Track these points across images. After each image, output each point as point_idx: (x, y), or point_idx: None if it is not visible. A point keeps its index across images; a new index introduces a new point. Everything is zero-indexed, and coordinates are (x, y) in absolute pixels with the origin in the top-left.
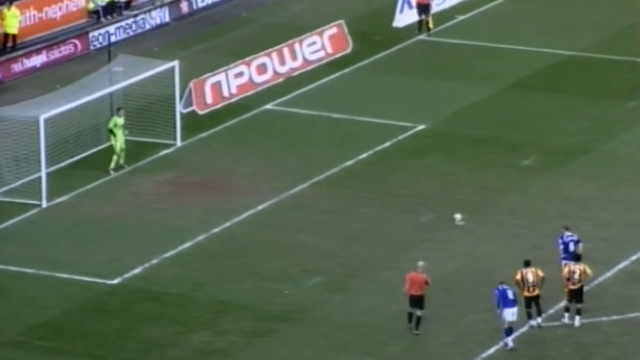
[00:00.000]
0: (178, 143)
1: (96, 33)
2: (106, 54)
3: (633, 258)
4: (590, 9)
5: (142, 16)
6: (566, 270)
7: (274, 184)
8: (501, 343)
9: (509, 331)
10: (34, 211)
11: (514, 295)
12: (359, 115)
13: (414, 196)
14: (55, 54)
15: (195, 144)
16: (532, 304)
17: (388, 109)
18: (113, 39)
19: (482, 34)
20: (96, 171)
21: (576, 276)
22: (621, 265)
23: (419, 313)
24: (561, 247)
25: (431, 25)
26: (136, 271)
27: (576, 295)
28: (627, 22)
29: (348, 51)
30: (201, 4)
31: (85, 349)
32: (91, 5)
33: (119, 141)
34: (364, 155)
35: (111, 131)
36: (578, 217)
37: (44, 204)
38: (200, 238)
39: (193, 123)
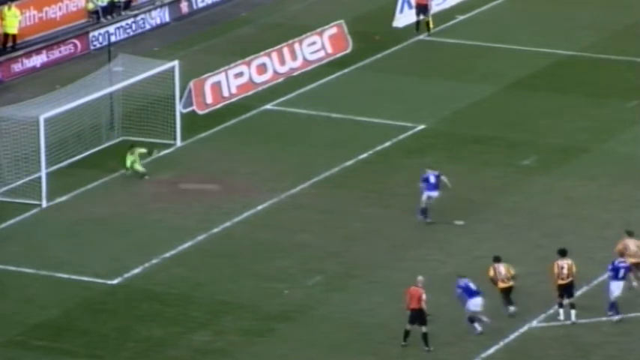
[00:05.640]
0: (178, 143)
1: (96, 33)
2: (106, 54)
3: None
4: (590, 9)
5: (142, 16)
6: (555, 266)
7: (274, 184)
8: (477, 331)
9: (472, 320)
10: (34, 211)
11: (476, 286)
12: (359, 115)
13: (414, 196)
14: (55, 54)
15: (195, 144)
16: (507, 295)
17: (388, 109)
18: (113, 39)
19: (482, 34)
20: (96, 171)
21: (565, 271)
22: None
23: (424, 329)
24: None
25: (431, 25)
26: (136, 270)
27: (566, 290)
28: (627, 22)
29: (348, 51)
30: (201, 4)
31: (85, 348)
32: (91, 5)
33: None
34: (364, 155)
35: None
36: (577, 216)
37: (44, 204)
38: (200, 237)
39: (193, 123)
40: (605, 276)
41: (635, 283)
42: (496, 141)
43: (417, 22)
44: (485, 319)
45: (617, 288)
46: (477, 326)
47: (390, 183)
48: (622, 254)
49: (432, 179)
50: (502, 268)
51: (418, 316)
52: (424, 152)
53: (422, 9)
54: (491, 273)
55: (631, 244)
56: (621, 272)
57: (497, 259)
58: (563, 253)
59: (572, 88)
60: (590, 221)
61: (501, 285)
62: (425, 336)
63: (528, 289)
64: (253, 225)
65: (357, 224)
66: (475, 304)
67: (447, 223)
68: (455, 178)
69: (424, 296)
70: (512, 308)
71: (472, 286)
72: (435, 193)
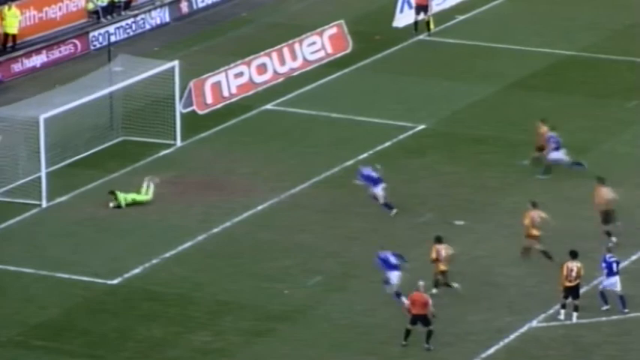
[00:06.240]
0: (178, 143)
1: (96, 33)
2: (105, 54)
3: (633, 258)
4: (590, 9)
5: (142, 16)
6: (564, 268)
7: (274, 184)
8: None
9: (398, 294)
10: (34, 211)
11: (396, 259)
12: (359, 115)
13: (414, 196)
14: (55, 54)
15: (195, 144)
16: (444, 276)
17: (388, 109)
18: (113, 39)
19: (482, 34)
20: (96, 171)
21: (573, 273)
22: (621, 265)
23: (429, 328)
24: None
25: (432, 25)
26: (136, 271)
27: (572, 292)
28: (627, 22)
29: (348, 51)
30: (201, 4)
31: (85, 348)
32: (91, 5)
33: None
34: (364, 155)
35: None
36: (577, 216)
37: (44, 204)
38: (200, 238)
39: (193, 123)
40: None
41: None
42: (496, 141)
43: (416, 22)
44: (404, 299)
45: (612, 284)
46: (404, 299)
47: (390, 183)
48: (532, 227)
49: (374, 174)
50: (443, 251)
51: (422, 321)
52: (424, 152)
53: (422, 8)
54: (434, 255)
55: (536, 215)
56: (614, 267)
57: (438, 240)
58: (574, 255)
59: (572, 88)
60: (590, 221)
61: (442, 267)
62: (429, 333)
63: (528, 289)
64: (253, 225)
65: (357, 224)
66: (395, 276)
67: (447, 223)
68: (455, 178)
69: (430, 301)
70: (455, 285)
71: (392, 260)
72: (382, 185)
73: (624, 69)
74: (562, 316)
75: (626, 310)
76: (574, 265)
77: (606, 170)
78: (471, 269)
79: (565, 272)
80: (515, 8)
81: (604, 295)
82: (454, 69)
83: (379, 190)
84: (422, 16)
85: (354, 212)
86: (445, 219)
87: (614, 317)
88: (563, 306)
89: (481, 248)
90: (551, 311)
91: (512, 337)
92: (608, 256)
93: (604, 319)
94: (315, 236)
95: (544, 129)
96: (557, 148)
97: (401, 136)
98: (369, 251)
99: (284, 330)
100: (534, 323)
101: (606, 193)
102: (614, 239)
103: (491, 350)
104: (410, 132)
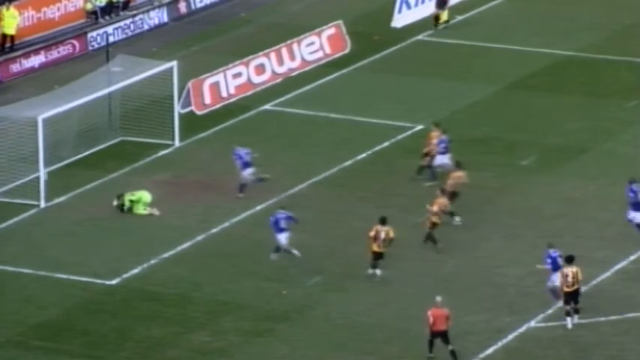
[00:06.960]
0: (177, 143)
1: (94, 33)
2: (104, 54)
3: (632, 257)
4: (590, 9)
5: (140, 16)
6: (560, 274)
7: (273, 184)
8: (273, 257)
9: (278, 250)
10: (33, 211)
11: (285, 223)
12: (357, 115)
13: (414, 196)
14: (54, 54)
15: (193, 144)
16: (379, 259)
17: (387, 109)
18: (111, 39)
19: (481, 34)
20: (95, 171)
21: (569, 279)
22: (620, 265)
23: (450, 347)
24: None
25: (442, 18)
26: (135, 271)
27: (572, 297)
28: (626, 22)
29: (346, 51)
30: (199, 4)
31: (84, 348)
32: (89, 6)
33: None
34: (363, 155)
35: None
36: (577, 216)
37: (42, 204)
38: (199, 238)
39: (192, 123)
40: (604, 276)
41: None
42: (496, 141)
43: (436, 17)
44: (295, 252)
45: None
46: (274, 256)
47: (389, 183)
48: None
49: (247, 157)
50: (383, 234)
51: (443, 337)
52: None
53: (440, 3)
54: (372, 233)
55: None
56: (560, 261)
57: (382, 221)
58: (569, 260)
59: (571, 88)
60: (590, 221)
61: (376, 249)
62: (454, 354)
63: (527, 289)
64: (253, 225)
65: (356, 224)
66: (281, 238)
67: (446, 223)
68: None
69: (449, 315)
70: (378, 271)
71: (282, 223)
72: (251, 169)
73: (624, 69)
74: (569, 325)
75: (577, 307)
76: (569, 271)
77: (606, 170)
78: (470, 269)
79: (561, 279)
80: (515, 8)
81: (555, 292)
82: (453, 69)
83: (245, 173)
84: (439, 10)
85: (353, 212)
86: (445, 219)
87: (613, 317)
88: (568, 313)
89: (481, 248)
90: (550, 311)
91: (511, 337)
92: (551, 251)
93: (603, 319)
94: (314, 236)
95: (436, 133)
96: (444, 152)
97: (400, 136)
98: (369, 251)
99: (283, 330)
100: (533, 323)
101: (461, 176)
102: (457, 218)
103: (490, 350)
104: (409, 132)
